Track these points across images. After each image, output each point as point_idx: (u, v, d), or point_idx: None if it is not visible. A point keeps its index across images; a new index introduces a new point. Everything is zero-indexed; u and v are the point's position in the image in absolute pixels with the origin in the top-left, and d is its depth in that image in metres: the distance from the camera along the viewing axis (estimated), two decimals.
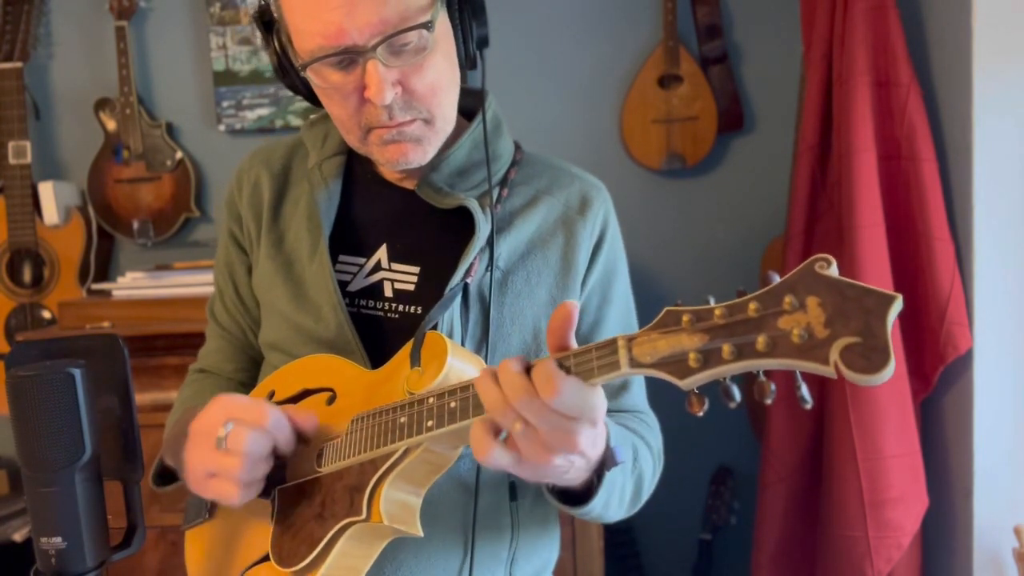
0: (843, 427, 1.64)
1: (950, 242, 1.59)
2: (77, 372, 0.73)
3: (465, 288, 0.92)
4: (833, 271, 0.55)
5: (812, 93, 1.80)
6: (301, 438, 0.86)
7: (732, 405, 0.59)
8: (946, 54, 1.65)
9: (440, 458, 0.82)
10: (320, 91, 0.88)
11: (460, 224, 0.94)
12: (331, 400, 0.89)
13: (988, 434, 1.58)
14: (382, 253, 0.97)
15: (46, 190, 2.21)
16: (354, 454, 0.81)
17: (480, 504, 0.92)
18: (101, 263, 2.30)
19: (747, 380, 0.60)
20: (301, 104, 2.27)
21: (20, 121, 2.20)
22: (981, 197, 1.56)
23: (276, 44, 0.89)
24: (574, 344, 0.68)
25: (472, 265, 0.92)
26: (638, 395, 1.03)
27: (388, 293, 0.95)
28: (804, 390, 0.58)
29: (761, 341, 0.56)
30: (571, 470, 0.72)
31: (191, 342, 1.19)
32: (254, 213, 1.02)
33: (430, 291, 0.94)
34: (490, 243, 0.93)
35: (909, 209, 1.65)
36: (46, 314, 2.22)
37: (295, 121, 2.28)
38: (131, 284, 1.97)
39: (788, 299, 0.56)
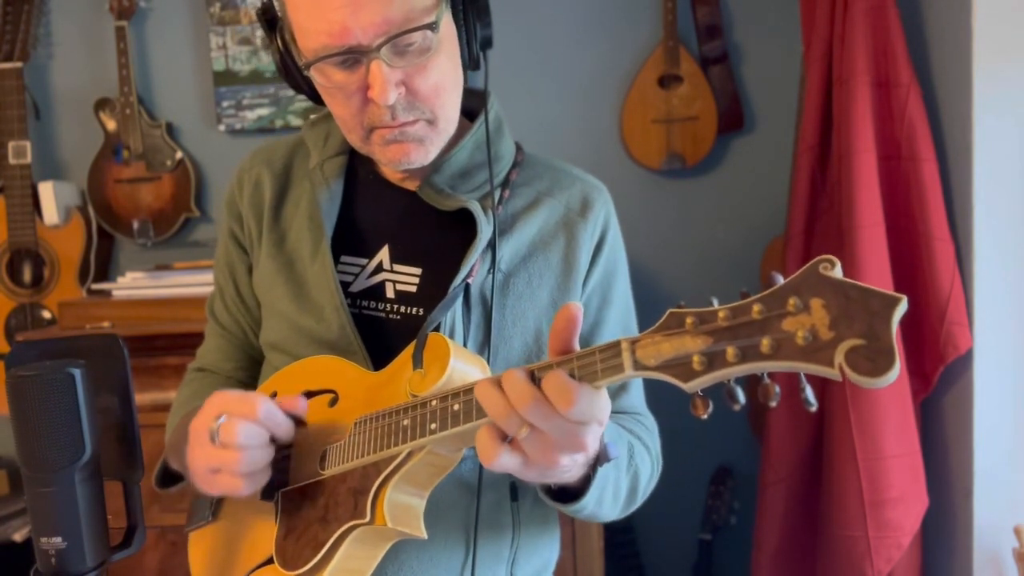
0: (843, 427, 1.64)
1: (950, 242, 1.59)
2: (77, 372, 0.73)
3: (467, 290, 0.92)
4: (837, 272, 0.55)
5: (812, 93, 1.80)
6: (299, 423, 0.85)
7: (736, 408, 0.59)
8: (946, 54, 1.65)
9: (443, 460, 0.81)
10: (323, 90, 0.88)
11: (462, 225, 0.93)
12: (333, 402, 0.88)
13: (988, 434, 1.58)
14: (384, 254, 0.97)
15: (46, 190, 2.21)
16: (357, 457, 0.81)
17: (482, 504, 0.92)
18: (101, 263, 2.30)
19: (749, 381, 0.59)
20: (301, 104, 2.26)
21: (20, 121, 2.19)
22: (981, 197, 1.56)
23: (279, 42, 0.89)
24: (577, 347, 0.68)
25: (474, 267, 0.92)
26: (636, 397, 1.03)
27: (390, 294, 0.95)
28: (809, 393, 0.58)
29: (765, 343, 0.56)
30: (573, 467, 0.73)
31: (191, 342, 1.19)
32: (255, 212, 1.02)
33: (432, 293, 0.93)
34: (492, 245, 0.93)
35: (909, 209, 1.65)
36: (46, 314, 2.22)
37: (295, 121, 2.28)
38: (131, 284, 1.96)
39: (792, 301, 0.55)
